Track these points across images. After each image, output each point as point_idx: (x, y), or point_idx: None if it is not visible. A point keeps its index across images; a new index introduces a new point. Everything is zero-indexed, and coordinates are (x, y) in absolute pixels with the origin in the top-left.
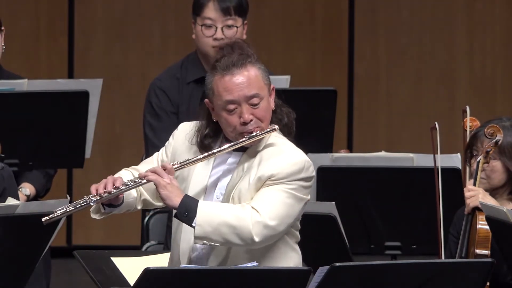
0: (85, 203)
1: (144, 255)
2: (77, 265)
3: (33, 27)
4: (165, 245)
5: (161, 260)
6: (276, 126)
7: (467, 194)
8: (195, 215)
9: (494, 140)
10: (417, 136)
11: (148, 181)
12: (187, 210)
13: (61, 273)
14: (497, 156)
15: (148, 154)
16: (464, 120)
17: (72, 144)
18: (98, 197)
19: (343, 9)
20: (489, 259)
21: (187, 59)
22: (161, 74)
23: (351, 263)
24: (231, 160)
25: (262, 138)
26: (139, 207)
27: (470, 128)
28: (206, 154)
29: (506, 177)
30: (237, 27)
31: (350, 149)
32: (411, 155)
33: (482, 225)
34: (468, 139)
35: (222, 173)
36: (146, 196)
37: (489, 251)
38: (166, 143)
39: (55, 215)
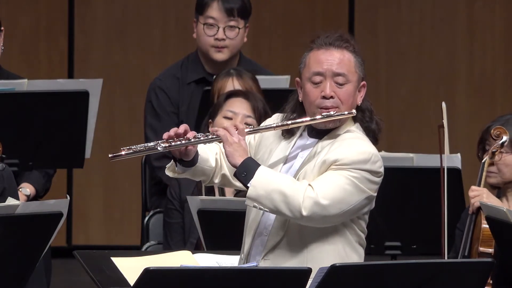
0: (152, 146)
1: (144, 255)
2: (77, 265)
3: (33, 27)
4: (166, 243)
5: (160, 260)
6: (354, 111)
7: (471, 194)
8: (252, 176)
9: (500, 142)
10: (417, 136)
11: (217, 136)
12: (246, 171)
13: (61, 273)
14: (509, 149)
15: (148, 155)
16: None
17: (72, 144)
18: (167, 144)
19: (343, 9)
20: (489, 259)
21: (187, 59)
22: (161, 74)
23: (351, 263)
24: (307, 144)
25: (340, 125)
26: (216, 181)
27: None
28: (280, 124)
29: None
30: (239, 28)
31: None
32: (411, 155)
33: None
34: (446, 135)
35: (296, 156)
36: (226, 171)
37: (492, 250)
38: None
39: (121, 153)
